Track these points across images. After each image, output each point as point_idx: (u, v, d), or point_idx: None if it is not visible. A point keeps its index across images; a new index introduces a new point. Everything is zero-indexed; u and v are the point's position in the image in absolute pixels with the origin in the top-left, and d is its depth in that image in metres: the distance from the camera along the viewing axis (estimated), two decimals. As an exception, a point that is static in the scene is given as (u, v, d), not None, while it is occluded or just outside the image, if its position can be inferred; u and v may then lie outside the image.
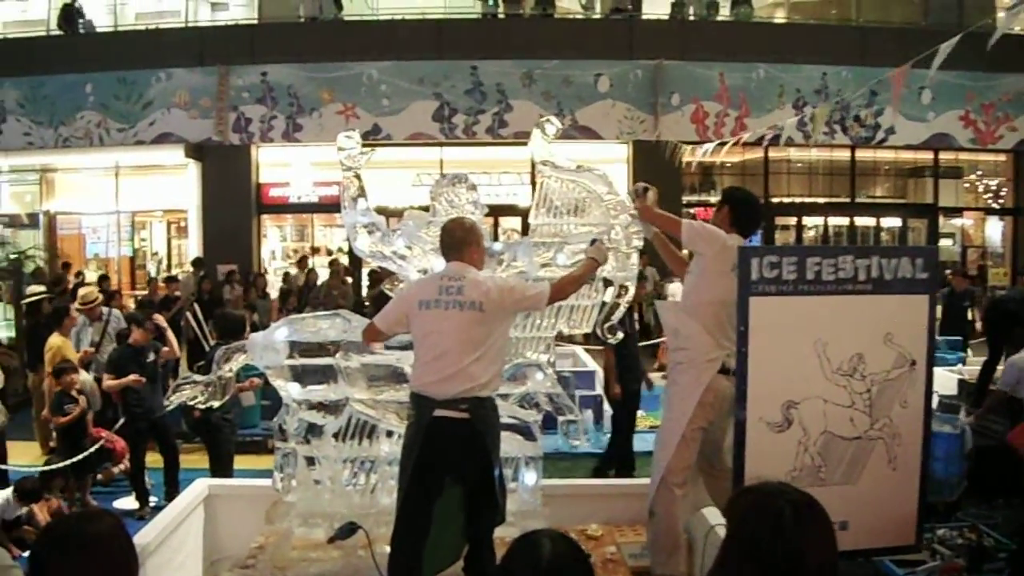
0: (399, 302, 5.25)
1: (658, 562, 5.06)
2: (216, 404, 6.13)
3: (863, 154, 21.37)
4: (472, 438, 4.93)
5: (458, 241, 5.21)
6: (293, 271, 19.40)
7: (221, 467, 8.67)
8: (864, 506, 4.57)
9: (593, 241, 5.54)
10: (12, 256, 17.41)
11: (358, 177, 6.05)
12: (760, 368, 4.60)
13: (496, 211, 18.86)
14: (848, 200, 21.60)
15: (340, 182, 6.08)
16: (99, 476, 10.02)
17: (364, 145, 6.14)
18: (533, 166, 19.33)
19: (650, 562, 5.16)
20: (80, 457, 9.17)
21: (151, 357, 9.50)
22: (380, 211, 6.21)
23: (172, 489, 9.10)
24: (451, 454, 4.98)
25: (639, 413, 9.75)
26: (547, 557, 2.46)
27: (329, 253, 20.89)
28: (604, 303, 5.99)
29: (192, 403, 6.01)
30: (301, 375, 5.83)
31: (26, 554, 7.70)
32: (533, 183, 19.51)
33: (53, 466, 9.04)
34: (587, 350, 13.08)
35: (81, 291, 11.89)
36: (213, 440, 8.86)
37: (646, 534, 5.55)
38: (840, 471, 4.74)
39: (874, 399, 4.76)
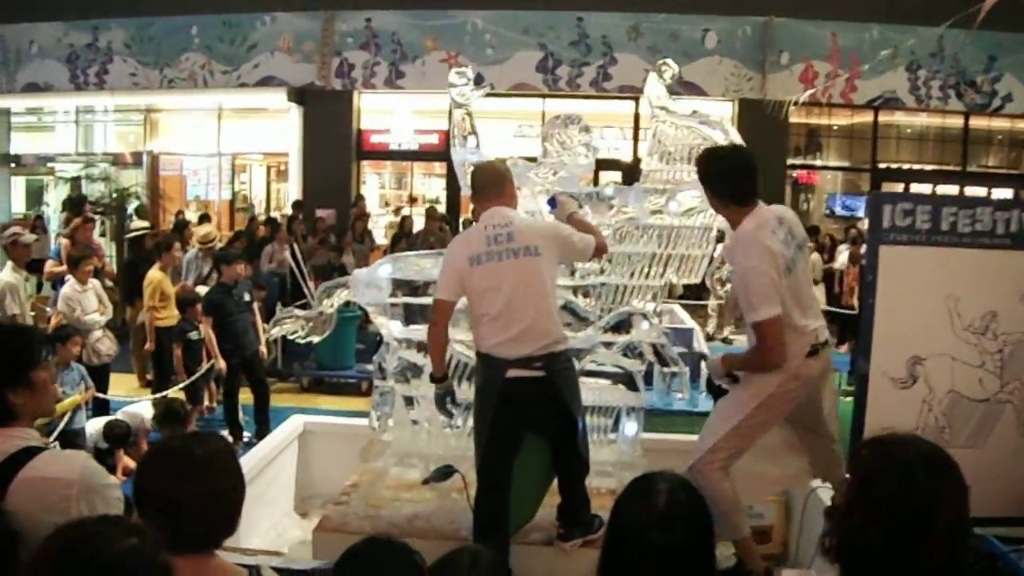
0: (448, 264, 4.92)
1: (722, 531, 4.82)
2: (316, 339, 6.10)
3: (977, 122, 20.42)
4: (551, 395, 4.79)
5: (500, 179, 4.99)
6: (391, 218, 19.44)
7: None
8: (988, 472, 4.33)
9: (552, 202, 5.30)
10: (114, 194, 17.73)
11: (469, 115, 5.94)
12: (886, 321, 4.39)
13: (598, 165, 18.55)
14: (959, 168, 20.71)
15: (440, 130, 5.98)
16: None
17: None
18: (636, 120, 19.18)
19: (720, 535, 4.93)
20: (191, 379, 9.36)
21: (247, 297, 9.59)
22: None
23: (262, 426, 9.19)
24: (530, 413, 4.84)
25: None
26: (663, 504, 2.35)
27: (424, 202, 20.86)
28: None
29: (292, 337, 6.01)
30: (403, 313, 5.76)
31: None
32: (636, 138, 19.37)
33: (158, 395, 9.21)
34: (684, 306, 12.90)
35: (201, 231, 12.04)
36: None
37: None
38: (965, 434, 4.52)
39: (1006, 360, 4.51)
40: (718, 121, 5.90)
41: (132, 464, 8.49)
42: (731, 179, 4.56)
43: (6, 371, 2.83)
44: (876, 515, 2.28)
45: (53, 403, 3.29)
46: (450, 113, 6.08)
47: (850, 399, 4.84)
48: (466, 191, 5.81)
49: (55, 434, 7.37)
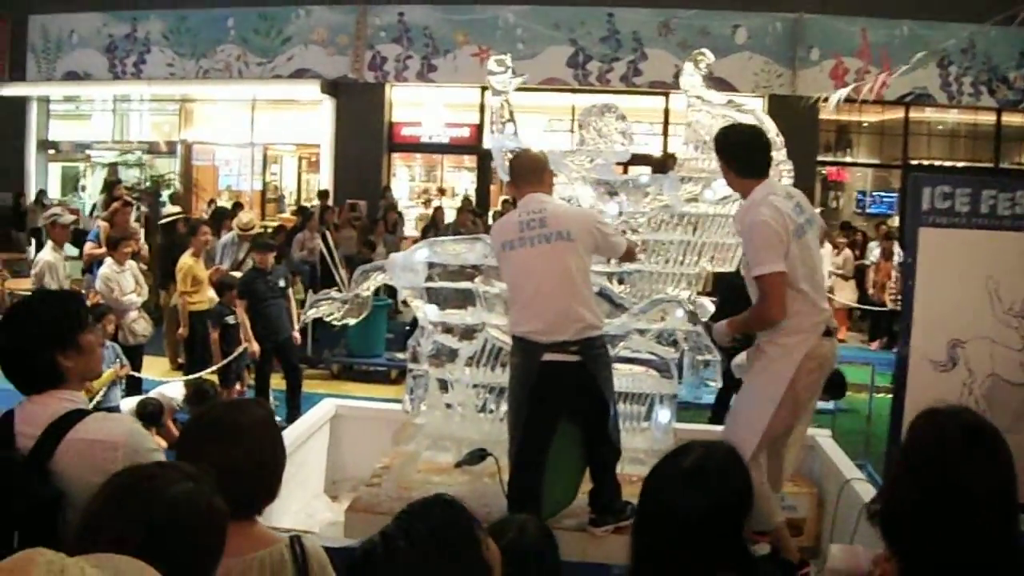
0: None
1: (759, 525, 4.77)
2: (352, 322, 6.11)
3: (1009, 118, 20.14)
4: (585, 380, 4.80)
5: (539, 166, 5.05)
6: (419, 210, 19.56)
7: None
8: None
9: None
10: (148, 181, 17.93)
11: (508, 102, 5.94)
12: (926, 303, 4.36)
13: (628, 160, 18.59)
14: (991, 165, 20.30)
15: (471, 124, 5.99)
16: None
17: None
18: (666, 116, 19.08)
19: (752, 525, 4.86)
20: (224, 361, 9.41)
21: (281, 283, 9.63)
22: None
23: (293, 410, 9.20)
24: (564, 397, 4.86)
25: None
26: (688, 464, 2.35)
27: (453, 195, 20.96)
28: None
29: (328, 318, 6.03)
30: (438, 298, 5.78)
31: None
32: (665, 133, 19.32)
33: (191, 376, 9.27)
34: (714, 301, 12.80)
35: (244, 217, 12.13)
36: None
37: None
38: (1006, 419, 4.42)
39: (1047, 345, 4.47)
40: (751, 110, 5.89)
41: (163, 443, 8.56)
42: (748, 153, 4.67)
43: (56, 334, 2.86)
44: (915, 484, 2.28)
45: (100, 366, 3.33)
46: (481, 107, 6.18)
47: (881, 395, 4.80)
48: (504, 177, 5.83)
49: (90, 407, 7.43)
